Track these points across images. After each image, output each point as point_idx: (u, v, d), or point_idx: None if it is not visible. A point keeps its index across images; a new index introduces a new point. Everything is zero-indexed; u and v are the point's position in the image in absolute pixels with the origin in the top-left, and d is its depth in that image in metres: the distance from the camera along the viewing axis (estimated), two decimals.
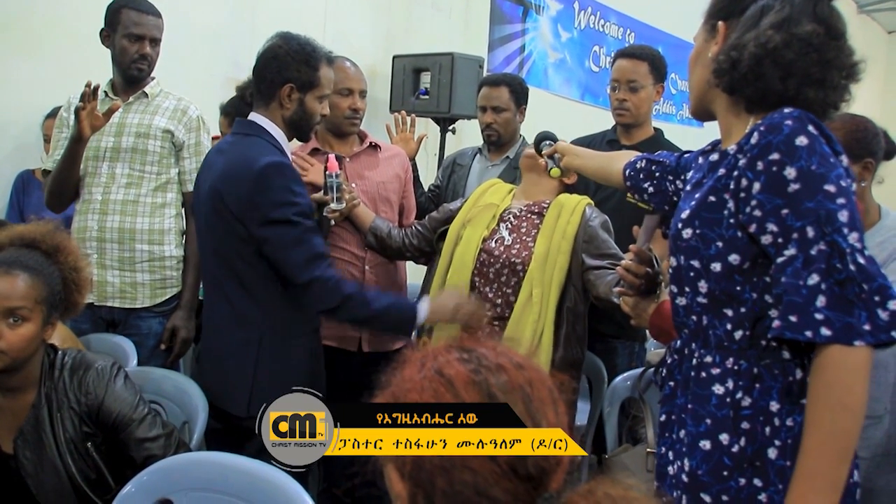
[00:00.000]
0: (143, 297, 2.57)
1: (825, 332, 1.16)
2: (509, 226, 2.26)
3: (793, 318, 1.18)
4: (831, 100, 1.31)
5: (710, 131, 1.50)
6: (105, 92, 2.62)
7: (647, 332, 1.73)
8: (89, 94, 2.34)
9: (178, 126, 2.62)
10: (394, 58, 4.41)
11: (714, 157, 1.41)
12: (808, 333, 1.17)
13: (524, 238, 2.22)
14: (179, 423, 2.05)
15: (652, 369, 2.38)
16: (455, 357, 0.85)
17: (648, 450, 2.23)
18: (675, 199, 1.63)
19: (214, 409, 2.09)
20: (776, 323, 1.21)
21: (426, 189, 3.30)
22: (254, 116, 2.10)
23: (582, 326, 2.20)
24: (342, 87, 2.44)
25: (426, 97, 4.24)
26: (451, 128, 4.39)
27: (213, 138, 2.94)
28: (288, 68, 2.04)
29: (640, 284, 1.67)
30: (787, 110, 1.26)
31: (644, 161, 1.71)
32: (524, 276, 2.15)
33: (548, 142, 2.17)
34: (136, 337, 2.53)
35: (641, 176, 1.70)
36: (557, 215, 2.21)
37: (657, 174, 1.67)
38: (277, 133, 2.09)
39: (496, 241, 2.23)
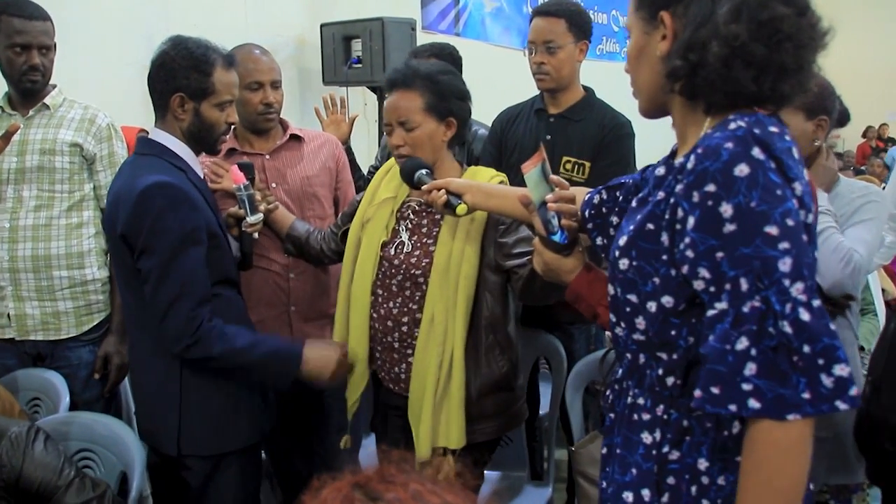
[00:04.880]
0: (69, 327, 2.39)
1: (753, 404, 1.03)
2: (409, 225, 1.97)
3: (715, 390, 1.06)
4: (806, 85, 1.16)
5: None
6: (1, 108, 2.40)
7: (565, 295, 1.54)
8: None
9: (87, 137, 2.41)
10: (321, 26, 4.19)
11: (661, 170, 1.25)
12: (733, 407, 1.05)
13: (425, 241, 1.93)
14: (116, 472, 1.92)
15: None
16: None
17: None
18: None
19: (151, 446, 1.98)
20: (697, 392, 1.08)
21: (365, 172, 3.13)
22: (154, 132, 1.92)
23: (504, 334, 1.94)
24: (250, 81, 2.24)
25: (359, 66, 4.06)
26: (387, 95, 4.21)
27: None
28: (175, 76, 1.85)
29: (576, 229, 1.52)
30: (731, 126, 1.11)
31: (603, 193, 1.51)
32: (427, 290, 1.89)
33: (424, 171, 1.86)
34: (67, 369, 2.37)
35: (605, 210, 1.49)
36: None
37: (620, 199, 1.47)
38: (180, 148, 1.90)
39: (396, 248, 1.96)
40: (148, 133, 1.95)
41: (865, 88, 10.68)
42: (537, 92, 2.71)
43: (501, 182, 1.96)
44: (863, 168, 8.37)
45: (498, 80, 4.53)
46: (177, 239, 1.78)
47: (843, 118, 2.12)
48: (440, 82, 1.91)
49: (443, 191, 1.77)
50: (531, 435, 2.68)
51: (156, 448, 1.96)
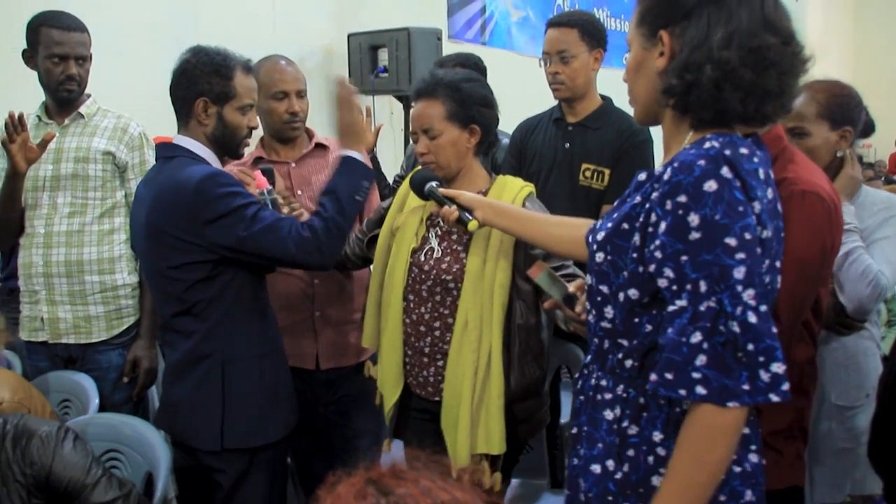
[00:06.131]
0: (99, 331, 2.45)
1: (700, 390, 1.17)
2: (439, 232, 2.00)
3: (669, 376, 1.19)
4: (788, 107, 1.28)
5: None
6: (38, 116, 2.48)
7: None
8: (14, 126, 2.20)
9: (120, 146, 2.48)
10: (349, 36, 4.26)
11: (642, 176, 1.34)
12: (683, 392, 1.18)
13: (455, 248, 1.96)
14: (142, 473, 1.97)
15: None
16: None
17: None
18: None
19: (182, 447, 2.00)
20: (653, 377, 1.21)
21: (391, 181, 3.18)
22: (177, 139, 1.97)
23: (537, 341, 1.95)
24: (276, 91, 2.29)
25: (385, 75, 4.11)
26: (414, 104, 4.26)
27: None
28: (198, 82, 1.90)
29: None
30: (706, 145, 1.22)
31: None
32: (459, 295, 1.91)
33: (434, 183, 1.87)
34: (97, 372, 2.43)
35: None
36: None
37: None
38: (205, 152, 1.95)
39: (426, 254, 1.98)
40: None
41: None
42: None
43: (531, 193, 1.99)
44: (895, 178, 8.25)
45: (525, 89, 4.53)
46: (246, 206, 1.85)
47: (867, 128, 2.12)
48: (462, 90, 1.94)
49: (454, 206, 1.82)
50: (552, 443, 2.69)
51: (192, 447, 1.97)
